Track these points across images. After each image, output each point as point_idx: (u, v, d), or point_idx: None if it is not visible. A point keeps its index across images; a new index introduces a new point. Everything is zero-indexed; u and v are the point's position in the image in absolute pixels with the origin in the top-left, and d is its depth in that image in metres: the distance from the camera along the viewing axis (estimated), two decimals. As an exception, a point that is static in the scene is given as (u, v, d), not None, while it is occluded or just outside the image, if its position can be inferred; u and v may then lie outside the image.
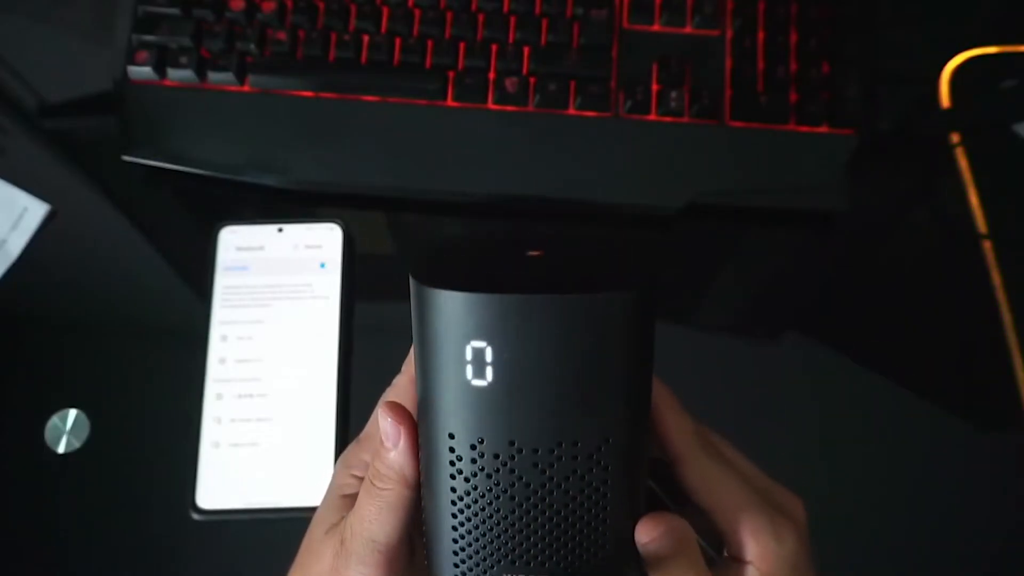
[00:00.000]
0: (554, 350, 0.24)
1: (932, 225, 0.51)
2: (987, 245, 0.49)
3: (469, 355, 0.24)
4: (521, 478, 0.25)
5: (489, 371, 0.24)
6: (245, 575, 0.43)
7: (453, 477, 0.26)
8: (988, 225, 0.49)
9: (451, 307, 0.24)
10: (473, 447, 0.25)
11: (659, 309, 0.25)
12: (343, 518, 0.28)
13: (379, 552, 0.27)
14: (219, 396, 0.44)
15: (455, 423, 0.25)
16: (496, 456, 0.25)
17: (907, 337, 0.48)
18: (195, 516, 0.42)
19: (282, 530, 0.40)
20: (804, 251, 0.50)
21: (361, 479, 0.29)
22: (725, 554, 0.29)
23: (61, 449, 0.44)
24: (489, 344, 0.24)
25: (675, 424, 0.29)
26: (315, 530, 0.29)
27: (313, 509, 0.31)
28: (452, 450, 0.25)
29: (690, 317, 0.49)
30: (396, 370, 0.30)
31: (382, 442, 0.27)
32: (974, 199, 0.50)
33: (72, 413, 0.45)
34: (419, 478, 0.27)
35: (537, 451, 0.25)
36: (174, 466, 0.43)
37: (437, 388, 0.25)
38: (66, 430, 0.44)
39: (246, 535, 0.43)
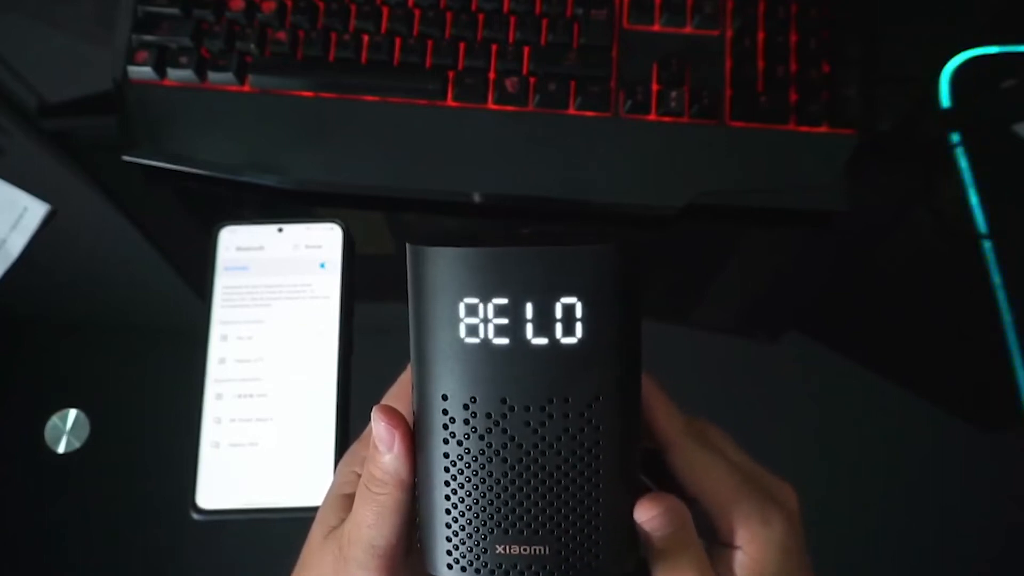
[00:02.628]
0: (541, 309, 0.25)
1: (932, 225, 0.51)
2: (987, 245, 0.49)
3: (462, 312, 0.25)
4: (513, 438, 0.25)
5: (481, 328, 0.25)
6: (245, 575, 0.43)
7: (446, 441, 0.26)
8: (988, 225, 0.49)
9: (444, 263, 0.25)
10: (466, 407, 0.25)
11: (642, 275, 0.26)
12: (342, 520, 0.28)
13: (378, 557, 0.27)
14: (219, 396, 0.44)
15: (448, 383, 0.26)
16: (488, 415, 0.25)
17: (907, 337, 0.48)
18: (195, 516, 0.42)
19: (282, 530, 0.40)
20: (804, 251, 0.50)
21: (359, 475, 0.29)
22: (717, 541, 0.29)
23: (61, 449, 0.44)
24: (481, 300, 0.25)
25: (663, 412, 0.29)
26: (315, 532, 0.29)
27: (313, 509, 0.31)
28: (445, 412, 0.26)
29: (690, 317, 0.49)
30: (396, 370, 0.30)
31: (375, 446, 0.27)
32: (974, 199, 0.50)
33: (72, 413, 0.45)
34: (414, 479, 0.27)
35: (529, 408, 0.25)
36: (174, 466, 0.43)
37: (431, 350, 0.26)
38: (66, 430, 0.44)
39: (246, 535, 0.43)
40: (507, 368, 0.25)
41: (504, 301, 0.25)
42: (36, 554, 0.43)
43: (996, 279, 0.48)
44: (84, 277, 0.49)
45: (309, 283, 0.47)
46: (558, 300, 0.25)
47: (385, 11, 0.49)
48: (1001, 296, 0.47)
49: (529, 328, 0.25)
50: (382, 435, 0.26)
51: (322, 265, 0.47)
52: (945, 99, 0.52)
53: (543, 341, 0.25)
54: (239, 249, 0.47)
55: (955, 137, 0.51)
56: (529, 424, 0.25)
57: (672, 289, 0.49)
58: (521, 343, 0.25)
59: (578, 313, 0.25)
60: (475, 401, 0.25)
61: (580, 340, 0.25)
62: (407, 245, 0.26)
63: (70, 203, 0.50)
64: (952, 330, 0.48)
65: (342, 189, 0.48)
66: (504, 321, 0.25)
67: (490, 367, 0.25)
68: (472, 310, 0.25)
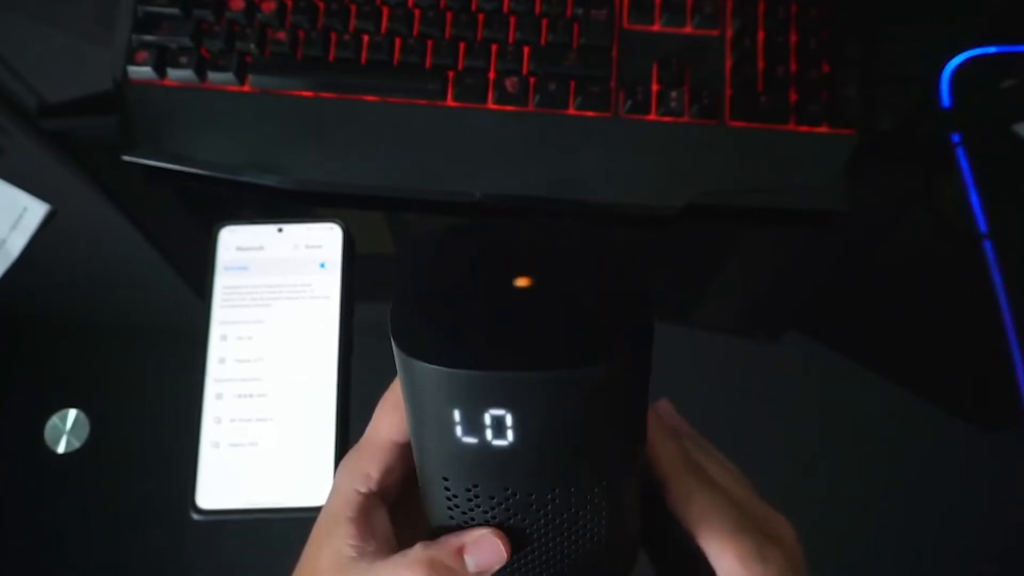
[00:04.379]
0: (543, 418, 0.23)
1: (932, 225, 0.51)
2: (987, 245, 0.49)
3: (457, 418, 0.23)
4: (517, 515, 0.25)
5: (479, 431, 0.23)
6: (245, 575, 0.43)
7: (450, 509, 0.26)
8: (988, 225, 0.49)
9: (435, 380, 0.23)
10: (468, 490, 0.25)
11: (649, 366, 0.24)
12: (355, 549, 0.27)
13: None
14: (219, 396, 0.44)
15: (448, 471, 0.25)
16: (491, 498, 0.25)
17: (907, 337, 0.48)
18: (195, 516, 0.42)
19: (282, 530, 0.40)
20: (804, 251, 0.50)
21: (366, 495, 0.28)
22: None
23: (61, 449, 0.44)
24: (477, 413, 0.23)
25: (663, 447, 0.29)
26: (321, 556, 0.28)
27: (313, 509, 0.30)
28: (447, 489, 0.25)
29: (690, 317, 0.49)
30: (396, 370, 0.30)
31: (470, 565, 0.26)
32: (974, 199, 0.50)
33: (72, 413, 0.45)
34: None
35: (532, 495, 0.25)
36: (174, 466, 0.43)
37: (429, 440, 0.25)
38: (66, 430, 0.44)
39: (246, 535, 0.43)
40: (509, 463, 0.24)
41: (501, 413, 0.23)
42: (36, 554, 0.43)
43: (996, 279, 0.48)
44: (84, 277, 0.49)
45: (309, 283, 0.47)
46: (560, 414, 0.23)
47: (385, 11, 0.49)
48: (1001, 296, 0.47)
49: (530, 434, 0.23)
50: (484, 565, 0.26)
51: (322, 265, 0.47)
52: (945, 99, 0.52)
53: (545, 444, 0.23)
54: (239, 249, 0.47)
55: (955, 137, 0.51)
56: (532, 506, 0.25)
57: (672, 289, 0.49)
58: (522, 443, 0.23)
59: (582, 422, 0.23)
60: (476, 487, 0.25)
61: (584, 442, 0.24)
62: (394, 348, 0.23)
63: (70, 203, 0.50)
64: (952, 330, 0.48)
65: (342, 189, 0.48)
66: (504, 427, 0.23)
67: (491, 463, 0.24)
68: (467, 416, 0.23)
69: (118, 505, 0.43)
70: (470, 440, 0.23)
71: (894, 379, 0.46)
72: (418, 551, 0.26)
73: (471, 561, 0.26)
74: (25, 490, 0.44)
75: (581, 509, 0.25)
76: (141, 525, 0.43)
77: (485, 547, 0.26)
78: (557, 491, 0.25)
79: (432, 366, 0.22)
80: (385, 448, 0.29)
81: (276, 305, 0.46)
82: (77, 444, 0.44)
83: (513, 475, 0.24)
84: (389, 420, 0.29)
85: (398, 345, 0.23)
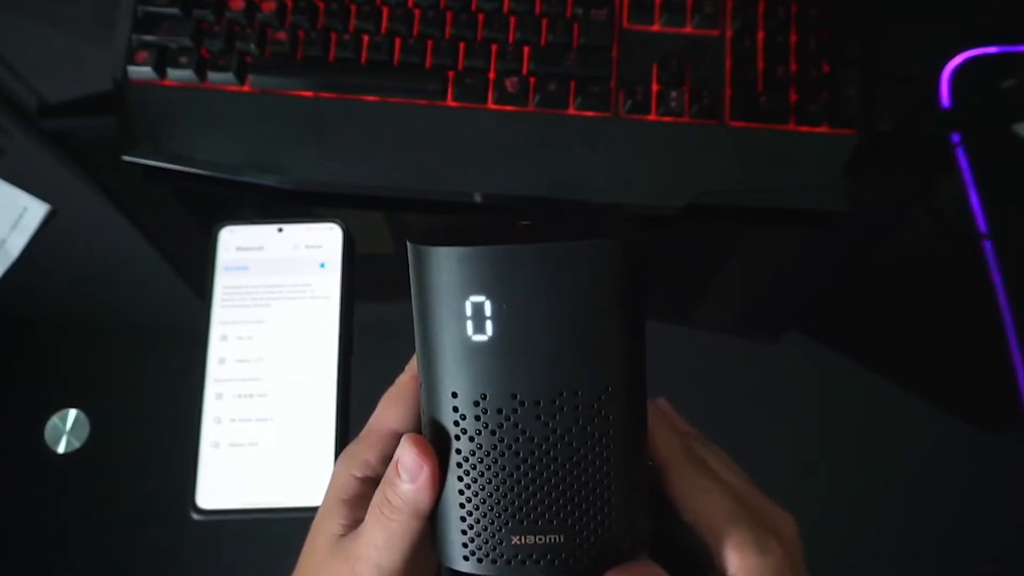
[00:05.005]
0: (549, 299, 0.24)
1: (932, 225, 0.51)
2: (987, 245, 0.49)
3: (468, 310, 0.25)
4: (525, 432, 0.25)
5: (488, 325, 0.25)
6: (245, 575, 0.43)
7: (458, 438, 0.26)
8: (988, 225, 0.49)
9: (448, 263, 0.24)
10: (476, 403, 0.25)
11: (646, 266, 0.26)
12: (345, 528, 0.28)
13: None
14: (219, 396, 0.44)
15: (457, 381, 0.25)
16: (499, 411, 0.25)
17: (907, 337, 0.48)
18: (195, 516, 0.42)
19: (282, 530, 0.40)
20: (804, 251, 0.50)
21: (362, 480, 0.29)
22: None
23: (61, 449, 0.44)
24: (487, 297, 0.24)
25: (662, 435, 0.29)
26: (318, 538, 0.29)
27: (313, 509, 0.31)
28: (456, 409, 0.26)
29: (690, 317, 0.49)
30: (396, 370, 0.30)
31: (398, 472, 0.26)
32: (974, 199, 0.50)
33: (72, 413, 0.45)
34: (432, 510, 0.27)
35: (539, 403, 0.25)
36: (174, 466, 0.43)
37: (439, 349, 0.26)
38: (66, 430, 0.44)
39: (246, 535, 0.43)
40: (516, 363, 0.25)
41: (510, 299, 0.24)
42: (36, 554, 0.43)
43: (996, 279, 0.48)
44: (84, 277, 0.49)
45: (309, 283, 0.47)
46: (563, 295, 0.24)
47: (385, 11, 0.49)
48: (1001, 296, 0.47)
49: (536, 322, 0.24)
50: (409, 465, 0.26)
51: (322, 265, 0.47)
52: (945, 99, 0.52)
53: (550, 335, 0.25)
54: (239, 249, 0.47)
55: (955, 137, 0.51)
56: (540, 418, 0.25)
57: (672, 289, 0.49)
58: (528, 335, 0.25)
59: (584, 306, 0.24)
60: (485, 398, 0.25)
61: (587, 332, 0.25)
62: (408, 244, 0.25)
63: (70, 203, 0.50)
64: (952, 330, 0.48)
65: (342, 189, 0.48)
66: (512, 317, 0.24)
67: (498, 364, 0.25)
68: (478, 308, 0.25)
69: (118, 505, 0.43)
70: (479, 338, 0.25)
71: (894, 379, 0.46)
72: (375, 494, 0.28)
73: (401, 469, 0.26)
74: (25, 490, 0.44)
75: (588, 424, 0.25)
76: (141, 525, 0.43)
77: (406, 452, 0.26)
78: (564, 395, 0.25)
79: (446, 247, 0.24)
80: (385, 436, 0.29)
81: (276, 305, 0.46)
82: (77, 444, 0.44)
83: (519, 377, 0.25)
84: (392, 411, 0.29)
85: (415, 242, 0.25)
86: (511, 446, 0.26)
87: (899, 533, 0.43)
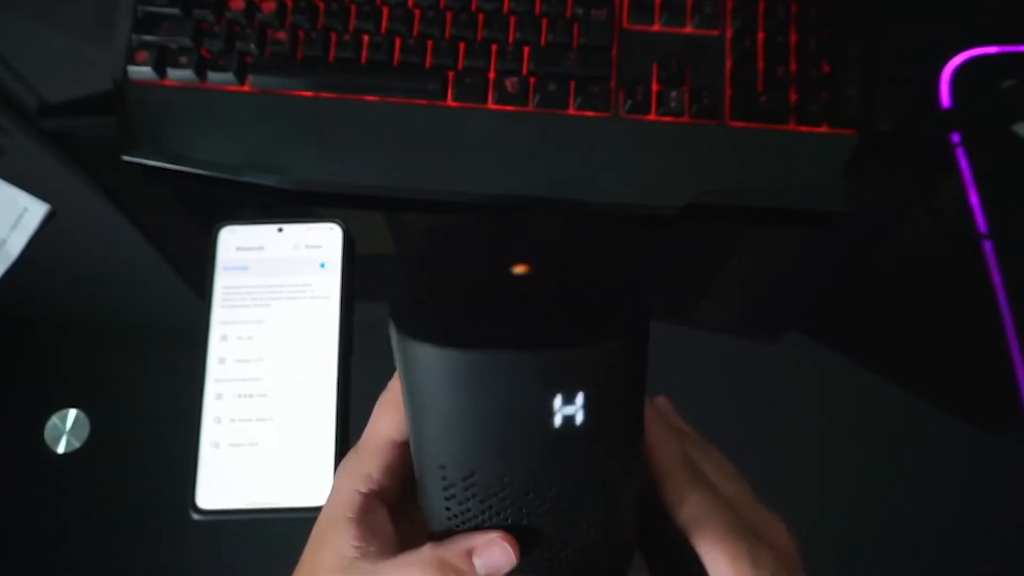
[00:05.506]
0: (541, 399, 0.22)
1: (932, 225, 0.51)
2: (987, 245, 0.49)
3: (454, 403, 0.23)
4: (514, 503, 0.25)
5: (476, 416, 0.23)
6: (245, 575, 0.43)
7: (447, 499, 0.26)
8: (988, 225, 0.49)
9: (433, 361, 0.22)
10: (465, 478, 0.25)
11: (650, 349, 0.24)
12: (359, 550, 0.27)
13: None
14: (219, 396, 0.44)
15: (445, 458, 0.25)
16: (488, 487, 0.25)
17: (907, 337, 0.48)
18: (195, 516, 0.42)
19: (282, 530, 0.40)
20: (804, 251, 0.50)
21: (367, 495, 0.28)
22: None
23: (61, 449, 0.44)
24: (474, 395, 0.22)
25: (661, 445, 0.29)
26: (323, 553, 0.28)
27: (313, 509, 0.30)
28: (444, 478, 0.25)
29: (690, 317, 0.49)
30: (395, 370, 0.30)
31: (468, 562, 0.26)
32: (974, 199, 0.50)
33: (72, 413, 0.45)
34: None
35: (528, 485, 0.25)
36: (174, 466, 0.43)
37: (425, 424, 0.25)
38: (66, 430, 0.44)
39: (246, 535, 0.43)
40: (505, 452, 0.24)
41: (500, 397, 0.22)
42: (36, 554, 0.43)
43: (996, 279, 0.48)
44: (84, 277, 0.49)
45: (309, 283, 0.47)
46: (560, 394, 0.22)
47: (385, 11, 0.49)
48: (1001, 296, 0.47)
49: (527, 418, 0.23)
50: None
51: (322, 265, 0.47)
52: (945, 99, 0.52)
53: (543, 431, 0.23)
54: (239, 249, 0.47)
55: (955, 137, 0.51)
56: (529, 494, 0.25)
57: (672, 289, 0.49)
58: (519, 432, 0.23)
59: (581, 402, 0.22)
60: (473, 475, 0.25)
61: (583, 424, 0.23)
62: (393, 332, 0.23)
63: (70, 203, 0.50)
64: (952, 330, 0.48)
65: (342, 189, 0.48)
66: (499, 407, 0.23)
67: (486, 452, 0.24)
68: (467, 402, 0.23)
69: (118, 505, 0.43)
70: (466, 423, 0.23)
71: (894, 379, 0.46)
72: (427, 551, 0.26)
73: (480, 564, 0.26)
74: (25, 490, 0.44)
75: (578, 499, 0.25)
76: (141, 525, 0.43)
77: (495, 550, 0.26)
78: (554, 479, 0.24)
79: (430, 346, 0.22)
80: (385, 447, 0.29)
81: (276, 305, 0.46)
82: (77, 444, 0.44)
83: (509, 464, 0.24)
84: (388, 419, 0.29)
85: (397, 327, 0.22)
86: (499, 512, 0.25)
87: (899, 533, 0.43)
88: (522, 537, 0.26)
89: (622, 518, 0.27)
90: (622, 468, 0.26)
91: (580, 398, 0.22)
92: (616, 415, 0.24)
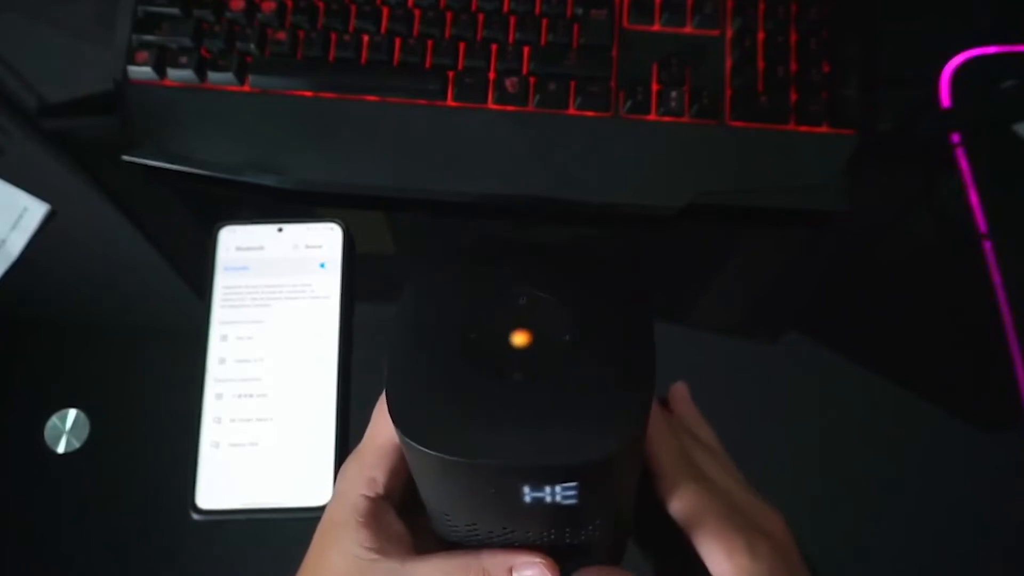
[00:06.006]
0: (536, 492, 0.23)
1: (932, 225, 0.51)
2: (987, 245, 0.49)
3: (453, 488, 0.24)
4: (515, 544, 0.26)
5: (475, 497, 0.24)
6: (245, 575, 0.43)
7: (452, 532, 0.27)
8: (988, 225, 0.49)
9: (432, 462, 0.23)
10: (468, 525, 0.26)
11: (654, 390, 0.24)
12: (371, 553, 0.27)
13: None
14: (219, 396, 0.44)
15: (448, 508, 0.26)
16: (490, 532, 0.26)
17: (907, 337, 0.48)
18: (195, 516, 0.42)
19: (282, 530, 0.41)
20: (804, 251, 0.50)
21: (373, 499, 0.29)
22: None
23: (61, 449, 0.44)
24: (471, 487, 0.24)
25: (660, 443, 0.29)
26: (331, 555, 0.28)
27: (313, 509, 0.31)
28: (449, 519, 0.26)
29: (690, 317, 0.49)
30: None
31: None
32: (974, 199, 0.50)
33: (72, 413, 0.45)
34: None
35: (529, 532, 0.26)
36: (174, 466, 0.43)
37: (428, 485, 0.26)
38: (66, 430, 0.44)
39: (246, 535, 0.43)
40: (505, 513, 0.25)
41: (498, 485, 0.23)
42: (36, 554, 0.43)
43: (996, 279, 0.48)
44: (84, 277, 0.49)
45: (309, 283, 0.47)
46: (555, 485, 0.23)
47: (385, 11, 0.49)
48: (1001, 296, 0.47)
49: (526, 497, 0.23)
50: None
51: (322, 265, 0.47)
52: (945, 99, 0.52)
53: (540, 501, 0.23)
54: (239, 249, 0.47)
55: (955, 137, 0.51)
56: (530, 537, 0.26)
57: (672, 289, 0.49)
58: (518, 502, 0.24)
59: (575, 489, 0.23)
60: (476, 524, 0.26)
61: (578, 502, 0.23)
62: (396, 428, 0.23)
63: (70, 203, 0.50)
64: (952, 330, 0.48)
65: (342, 189, 0.48)
66: (498, 496, 0.24)
67: (489, 510, 0.25)
68: (471, 488, 0.24)
69: (118, 505, 0.43)
70: (468, 496, 0.24)
71: (894, 379, 0.46)
72: (470, 557, 0.27)
73: None
74: (25, 490, 0.44)
75: (576, 541, 0.26)
76: (141, 525, 0.43)
77: (534, 572, 0.26)
78: (553, 531, 0.25)
79: (432, 453, 0.22)
80: (388, 451, 0.29)
81: (276, 305, 0.46)
82: (77, 444, 0.44)
83: (509, 520, 0.25)
84: (388, 423, 0.29)
85: (399, 428, 0.23)
86: (503, 548, 0.26)
87: (899, 533, 0.43)
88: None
89: (621, 526, 0.28)
90: (619, 513, 0.27)
91: (573, 490, 0.23)
92: (610, 494, 0.25)
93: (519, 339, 0.23)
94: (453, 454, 0.22)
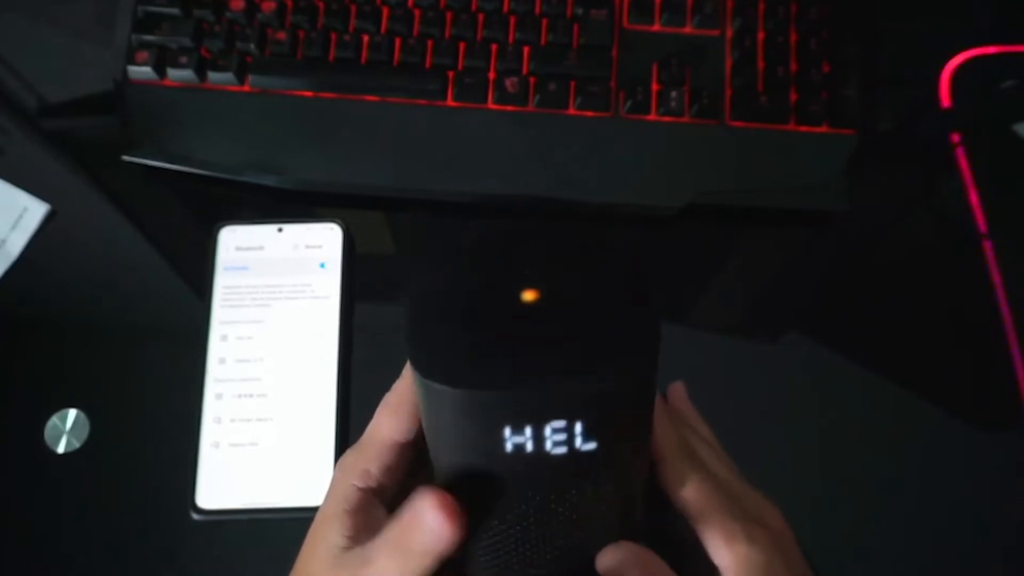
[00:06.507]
0: (559, 425, 0.23)
1: (932, 225, 0.51)
2: (987, 245, 0.49)
3: (474, 435, 0.24)
4: (529, 515, 0.26)
5: (495, 445, 0.24)
6: (245, 575, 0.43)
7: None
8: (988, 225, 0.49)
9: (450, 401, 0.23)
10: (476, 495, 0.26)
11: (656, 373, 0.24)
12: (348, 540, 0.28)
13: None
14: (219, 396, 0.44)
15: (462, 477, 0.26)
16: (509, 504, 0.26)
17: (907, 337, 0.48)
18: (195, 516, 0.42)
19: (282, 530, 0.40)
20: (804, 251, 0.50)
21: (363, 490, 0.29)
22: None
23: (61, 449, 0.44)
24: (495, 428, 0.23)
25: (662, 431, 0.29)
26: (319, 548, 0.29)
27: (313, 509, 0.30)
28: (463, 488, 0.26)
29: (690, 317, 0.49)
30: (396, 370, 0.30)
31: (420, 523, 0.26)
32: (974, 199, 0.50)
33: (72, 413, 0.45)
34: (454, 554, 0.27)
35: (551, 497, 0.25)
36: (174, 466, 0.43)
37: (444, 449, 0.26)
38: (66, 430, 0.44)
39: (246, 535, 0.43)
40: (524, 473, 0.25)
41: (518, 428, 0.23)
42: (36, 554, 0.43)
43: (996, 279, 0.48)
44: (84, 277, 0.49)
45: (309, 283, 0.47)
46: (575, 422, 0.23)
47: (385, 11, 0.49)
48: (1001, 296, 0.47)
49: (547, 443, 0.24)
50: (434, 526, 0.26)
51: (322, 265, 0.47)
52: (945, 99, 0.52)
53: (561, 451, 0.24)
54: (239, 249, 0.47)
55: (955, 137, 0.51)
56: (545, 506, 0.26)
57: (672, 289, 0.49)
58: (538, 454, 0.24)
59: (596, 428, 0.23)
60: (499, 497, 0.26)
61: (598, 446, 0.24)
62: (412, 371, 0.24)
63: (70, 203, 0.50)
64: (952, 330, 0.48)
65: (342, 189, 0.48)
66: (519, 439, 0.24)
67: (507, 472, 0.25)
68: (484, 433, 0.24)
69: (118, 505, 0.43)
70: (485, 454, 0.24)
71: (894, 379, 0.46)
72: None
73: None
74: (25, 490, 0.44)
75: (593, 506, 0.26)
76: (141, 525, 0.43)
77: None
78: (574, 493, 0.25)
79: (447, 389, 0.23)
80: (386, 447, 0.29)
81: (276, 305, 0.46)
82: (77, 444, 0.44)
83: (527, 483, 0.25)
84: (390, 420, 0.29)
85: (416, 368, 0.23)
86: (514, 524, 0.26)
87: (899, 533, 0.43)
88: (538, 537, 0.26)
89: (632, 513, 0.28)
90: (633, 477, 0.27)
91: (596, 424, 0.23)
92: (632, 434, 0.25)
93: (529, 296, 0.24)
94: (477, 387, 0.23)
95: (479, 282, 0.25)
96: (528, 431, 0.23)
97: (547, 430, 0.23)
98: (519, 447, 0.24)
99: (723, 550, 0.27)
